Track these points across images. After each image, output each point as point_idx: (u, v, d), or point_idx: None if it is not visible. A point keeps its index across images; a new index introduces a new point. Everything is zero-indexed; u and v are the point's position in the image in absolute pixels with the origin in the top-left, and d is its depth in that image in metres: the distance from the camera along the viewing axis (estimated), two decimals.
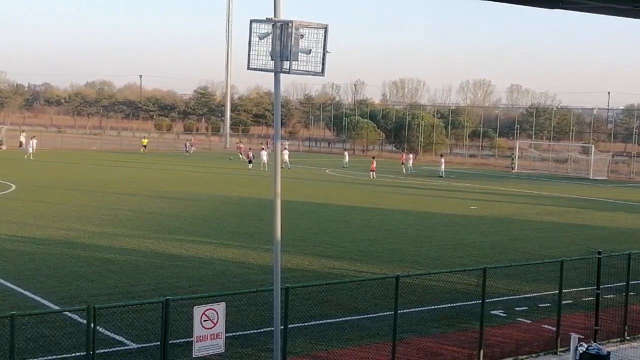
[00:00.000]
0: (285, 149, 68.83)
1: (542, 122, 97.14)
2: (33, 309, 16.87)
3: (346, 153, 73.00)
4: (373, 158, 66.09)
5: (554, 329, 16.12)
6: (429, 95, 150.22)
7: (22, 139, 79.07)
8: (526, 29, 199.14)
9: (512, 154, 78.73)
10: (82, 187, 43.49)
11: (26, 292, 18.51)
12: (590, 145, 74.22)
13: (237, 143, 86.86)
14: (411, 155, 72.02)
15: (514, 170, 73.88)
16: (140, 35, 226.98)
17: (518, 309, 18.80)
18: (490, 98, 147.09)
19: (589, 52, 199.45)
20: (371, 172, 58.89)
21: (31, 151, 66.58)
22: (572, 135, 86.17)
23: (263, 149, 65.55)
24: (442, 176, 61.54)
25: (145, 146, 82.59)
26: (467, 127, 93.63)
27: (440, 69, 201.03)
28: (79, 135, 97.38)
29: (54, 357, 13.78)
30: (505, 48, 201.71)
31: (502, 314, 18.17)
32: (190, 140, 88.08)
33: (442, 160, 64.85)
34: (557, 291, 16.41)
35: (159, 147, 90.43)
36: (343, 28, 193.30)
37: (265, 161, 62.26)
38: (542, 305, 18.97)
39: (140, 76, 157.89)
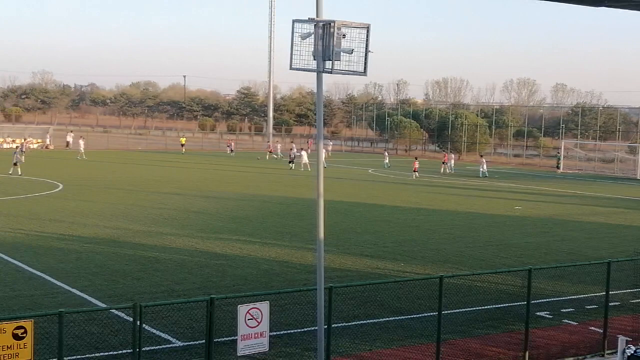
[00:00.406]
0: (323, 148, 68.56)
1: (587, 122, 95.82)
2: (80, 306, 17.14)
3: (386, 153, 72.58)
4: (415, 158, 65.78)
5: (601, 331, 15.91)
6: (472, 94, 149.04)
7: (69, 139, 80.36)
8: (571, 28, 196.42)
9: (558, 153, 77.69)
10: (127, 186, 44.06)
11: (74, 290, 18.84)
12: (638, 144, 72.98)
13: (268, 142, 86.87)
14: (452, 155, 71.55)
15: (559, 171, 72.95)
16: (185, 36, 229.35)
17: (564, 310, 18.57)
18: (535, 97, 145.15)
19: (636, 50, 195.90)
20: (414, 173, 58.71)
21: (82, 150, 67.67)
22: (618, 135, 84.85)
23: (302, 149, 65.54)
24: (484, 176, 60.78)
25: (183, 145, 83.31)
26: (511, 126, 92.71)
27: (484, 67, 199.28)
28: (124, 135, 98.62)
29: (101, 354, 13.99)
30: (550, 47, 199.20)
31: (547, 316, 17.97)
32: (231, 141, 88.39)
33: (483, 160, 64.24)
34: (603, 293, 16.18)
35: (203, 146, 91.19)
36: (385, 27, 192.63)
37: (307, 161, 62.33)
38: (588, 306, 18.71)
39: (184, 76, 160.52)
